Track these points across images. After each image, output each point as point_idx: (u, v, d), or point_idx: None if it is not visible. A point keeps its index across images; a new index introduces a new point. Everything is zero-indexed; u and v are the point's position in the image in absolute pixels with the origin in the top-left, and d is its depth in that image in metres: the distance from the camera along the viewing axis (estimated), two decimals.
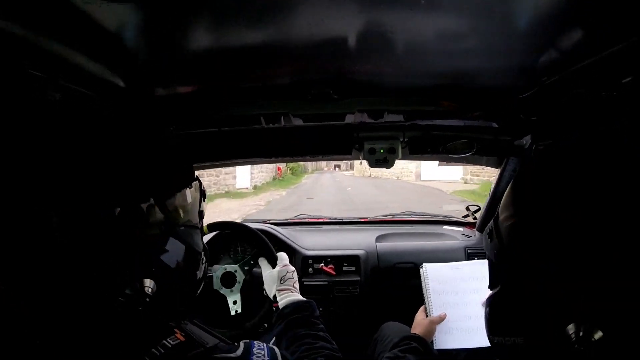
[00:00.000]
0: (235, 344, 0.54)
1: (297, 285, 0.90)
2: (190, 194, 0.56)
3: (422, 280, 1.05)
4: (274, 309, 0.87)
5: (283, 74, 0.69)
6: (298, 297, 0.85)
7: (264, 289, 0.96)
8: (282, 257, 0.97)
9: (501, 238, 0.47)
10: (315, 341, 0.70)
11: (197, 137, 1.00)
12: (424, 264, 1.07)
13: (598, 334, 0.33)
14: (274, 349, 0.55)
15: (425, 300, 1.01)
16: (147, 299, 0.46)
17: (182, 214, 0.54)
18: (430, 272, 1.05)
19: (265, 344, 0.55)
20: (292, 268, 0.94)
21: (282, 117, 0.86)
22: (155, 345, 0.47)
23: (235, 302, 1.11)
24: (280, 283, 0.88)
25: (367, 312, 1.35)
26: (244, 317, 1.08)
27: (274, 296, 0.89)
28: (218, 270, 1.12)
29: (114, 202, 0.44)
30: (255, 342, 0.54)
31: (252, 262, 1.13)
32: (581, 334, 0.33)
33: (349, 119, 0.89)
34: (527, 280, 0.42)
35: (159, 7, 0.44)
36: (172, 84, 0.72)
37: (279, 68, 0.66)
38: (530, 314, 0.41)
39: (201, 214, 0.60)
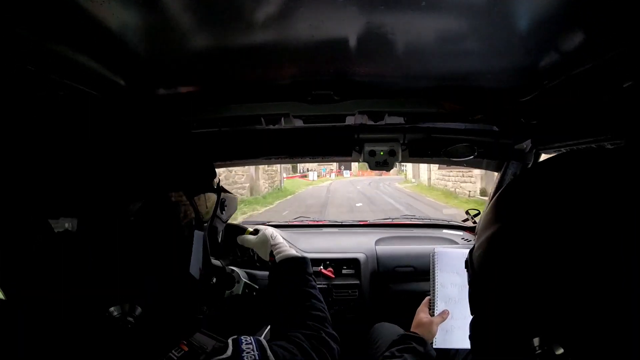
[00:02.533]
0: (221, 343, 0.54)
1: (284, 242, 0.93)
2: (210, 195, 0.57)
3: (431, 268, 0.99)
4: (269, 263, 0.90)
5: (284, 75, 0.69)
6: (293, 252, 0.87)
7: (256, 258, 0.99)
8: (260, 225, 1.00)
9: (473, 267, 0.47)
10: (307, 300, 0.72)
11: (197, 137, 1.00)
12: (435, 248, 1.01)
13: (559, 351, 0.34)
14: (260, 340, 0.55)
15: (431, 292, 0.97)
16: (129, 325, 0.44)
17: (203, 215, 0.54)
18: (441, 260, 0.99)
19: (252, 337, 0.55)
20: (274, 230, 0.96)
21: (282, 118, 0.86)
22: (162, 358, 0.47)
23: (247, 285, 1.13)
24: (272, 240, 0.91)
25: (366, 315, 1.34)
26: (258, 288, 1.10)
27: (269, 255, 0.91)
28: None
29: (126, 200, 0.44)
30: (242, 337, 0.54)
31: (242, 256, 1.17)
32: (545, 347, 0.34)
33: (350, 120, 0.89)
34: (495, 304, 0.43)
35: (160, 7, 0.44)
36: (172, 84, 0.72)
37: (280, 69, 0.66)
38: (501, 336, 0.42)
39: (215, 218, 0.61)
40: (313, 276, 0.80)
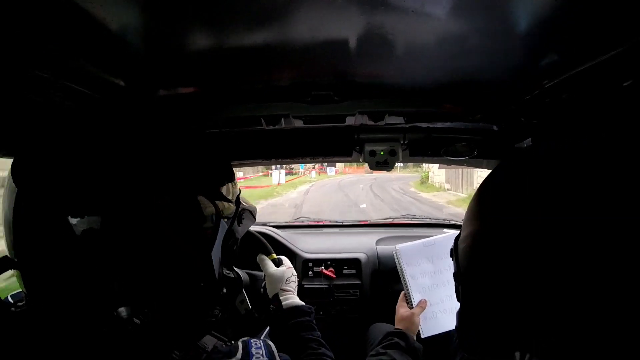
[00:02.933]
0: (230, 343, 0.54)
1: (296, 289, 0.91)
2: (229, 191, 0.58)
3: (397, 265, 1.02)
4: (271, 307, 0.88)
5: (284, 76, 0.69)
6: (299, 301, 0.86)
7: (262, 287, 0.96)
8: (286, 259, 0.98)
9: (457, 259, 0.46)
10: (318, 347, 0.72)
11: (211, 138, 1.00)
12: (396, 246, 1.05)
13: None
14: (269, 345, 0.55)
15: (404, 286, 1.00)
16: (136, 326, 0.45)
17: (222, 213, 0.56)
18: (404, 255, 1.02)
19: (261, 340, 0.55)
20: (295, 272, 0.95)
21: (282, 119, 0.86)
22: (164, 357, 0.48)
23: (242, 302, 1.11)
24: (285, 284, 0.89)
25: (367, 315, 1.34)
26: (255, 311, 1.07)
27: (274, 295, 0.89)
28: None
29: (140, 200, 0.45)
30: (251, 340, 0.54)
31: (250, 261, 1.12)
32: None
33: (350, 120, 0.89)
34: (477, 303, 0.42)
35: (160, 8, 0.44)
36: (172, 85, 0.72)
37: (280, 70, 0.66)
38: (481, 338, 0.41)
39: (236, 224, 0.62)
40: (316, 325, 0.80)
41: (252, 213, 0.78)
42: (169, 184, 0.48)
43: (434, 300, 0.96)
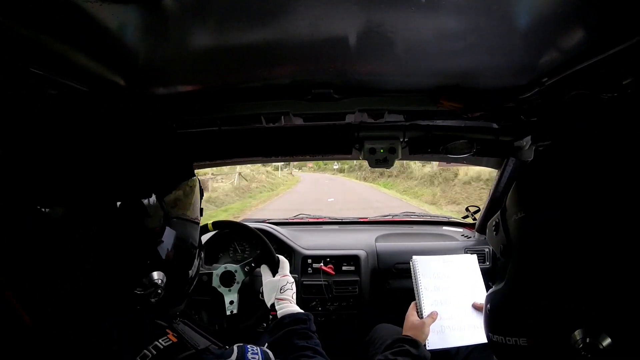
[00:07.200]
0: (227, 347, 0.54)
1: (294, 296, 0.91)
2: (189, 190, 0.57)
3: (413, 274, 1.03)
4: (271, 316, 0.88)
5: (284, 73, 0.69)
6: (297, 308, 0.86)
7: (261, 294, 0.96)
8: (284, 265, 0.98)
9: (508, 232, 0.45)
10: (314, 355, 0.70)
11: (197, 136, 1.00)
12: (414, 257, 1.05)
13: (606, 341, 0.31)
14: (267, 353, 0.54)
15: (416, 296, 1.00)
16: (160, 290, 0.49)
17: (180, 209, 0.54)
18: (421, 266, 1.03)
19: (259, 348, 0.54)
20: (292, 279, 0.95)
21: (282, 117, 0.86)
22: (147, 346, 0.47)
23: (232, 302, 1.11)
24: (280, 293, 0.90)
25: (366, 311, 1.35)
26: (239, 318, 1.08)
27: (272, 304, 0.90)
28: (219, 269, 1.12)
29: (113, 197, 0.45)
30: (248, 346, 0.54)
31: (253, 264, 1.13)
32: (588, 340, 0.32)
33: (350, 118, 0.89)
34: (534, 278, 0.41)
35: (159, 7, 0.44)
36: (172, 83, 0.72)
37: (280, 68, 0.66)
38: (536, 315, 0.39)
39: (200, 211, 0.61)
40: (316, 333, 0.79)
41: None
42: (125, 185, 0.48)
43: (444, 315, 0.97)
